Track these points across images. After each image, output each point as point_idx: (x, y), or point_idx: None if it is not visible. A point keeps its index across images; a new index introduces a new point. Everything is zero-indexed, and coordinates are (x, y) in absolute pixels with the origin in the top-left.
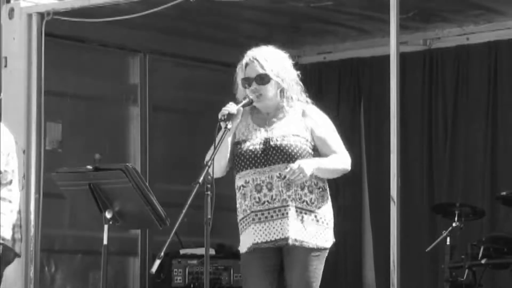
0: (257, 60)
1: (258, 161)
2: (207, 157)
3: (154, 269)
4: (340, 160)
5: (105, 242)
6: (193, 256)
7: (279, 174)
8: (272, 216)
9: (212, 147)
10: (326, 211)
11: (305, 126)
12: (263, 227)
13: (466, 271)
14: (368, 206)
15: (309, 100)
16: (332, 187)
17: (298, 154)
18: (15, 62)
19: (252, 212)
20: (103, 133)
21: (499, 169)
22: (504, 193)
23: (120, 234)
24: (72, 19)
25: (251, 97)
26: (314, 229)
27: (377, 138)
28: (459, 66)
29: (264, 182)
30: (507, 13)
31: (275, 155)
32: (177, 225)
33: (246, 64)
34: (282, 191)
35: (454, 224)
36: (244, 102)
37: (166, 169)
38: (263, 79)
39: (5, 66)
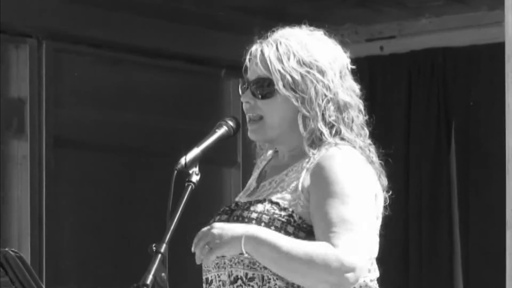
0: (262, 53)
1: None
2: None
3: None
4: (326, 252)
5: None
6: None
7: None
8: None
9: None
10: None
11: (297, 190)
12: None
13: None
14: None
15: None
16: None
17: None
18: None
19: None
20: None
21: None
22: None
23: None
24: None
25: (230, 123)
26: None
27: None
28: None
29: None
30: None
31: None
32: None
33: (249, 59)
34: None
35: None
36: (214, 136)
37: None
38: (261, 88)
39: None
